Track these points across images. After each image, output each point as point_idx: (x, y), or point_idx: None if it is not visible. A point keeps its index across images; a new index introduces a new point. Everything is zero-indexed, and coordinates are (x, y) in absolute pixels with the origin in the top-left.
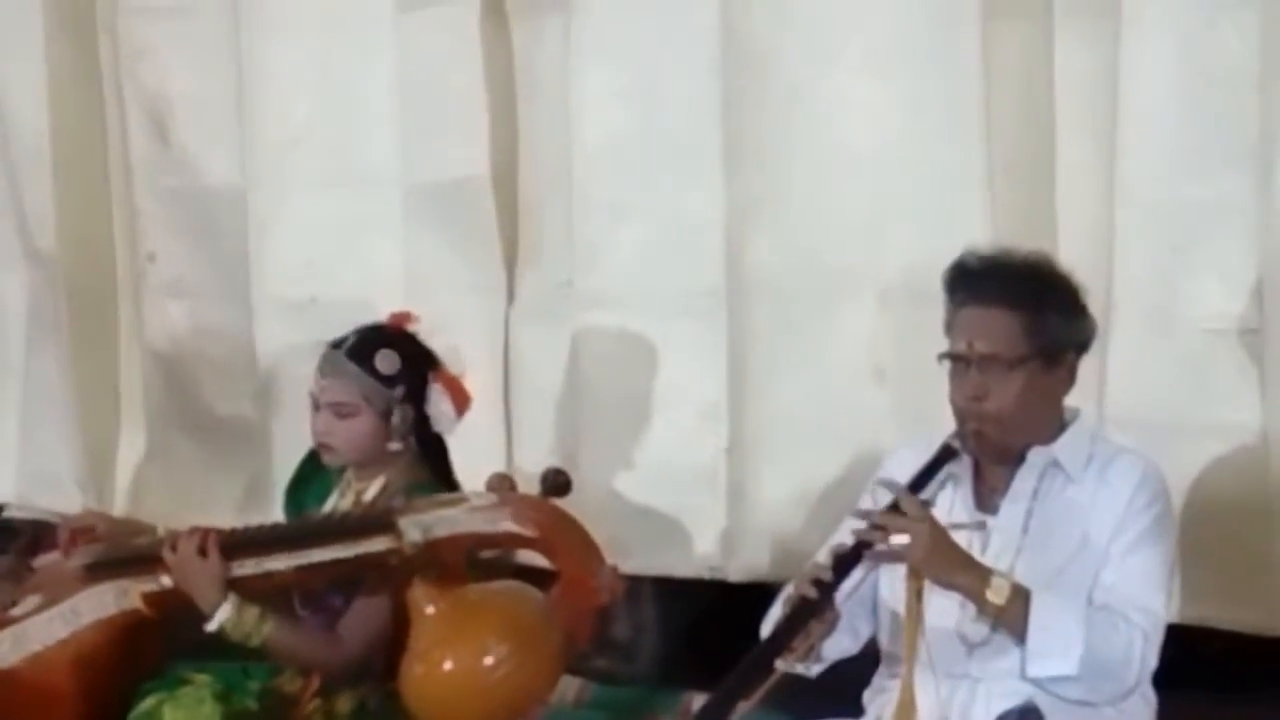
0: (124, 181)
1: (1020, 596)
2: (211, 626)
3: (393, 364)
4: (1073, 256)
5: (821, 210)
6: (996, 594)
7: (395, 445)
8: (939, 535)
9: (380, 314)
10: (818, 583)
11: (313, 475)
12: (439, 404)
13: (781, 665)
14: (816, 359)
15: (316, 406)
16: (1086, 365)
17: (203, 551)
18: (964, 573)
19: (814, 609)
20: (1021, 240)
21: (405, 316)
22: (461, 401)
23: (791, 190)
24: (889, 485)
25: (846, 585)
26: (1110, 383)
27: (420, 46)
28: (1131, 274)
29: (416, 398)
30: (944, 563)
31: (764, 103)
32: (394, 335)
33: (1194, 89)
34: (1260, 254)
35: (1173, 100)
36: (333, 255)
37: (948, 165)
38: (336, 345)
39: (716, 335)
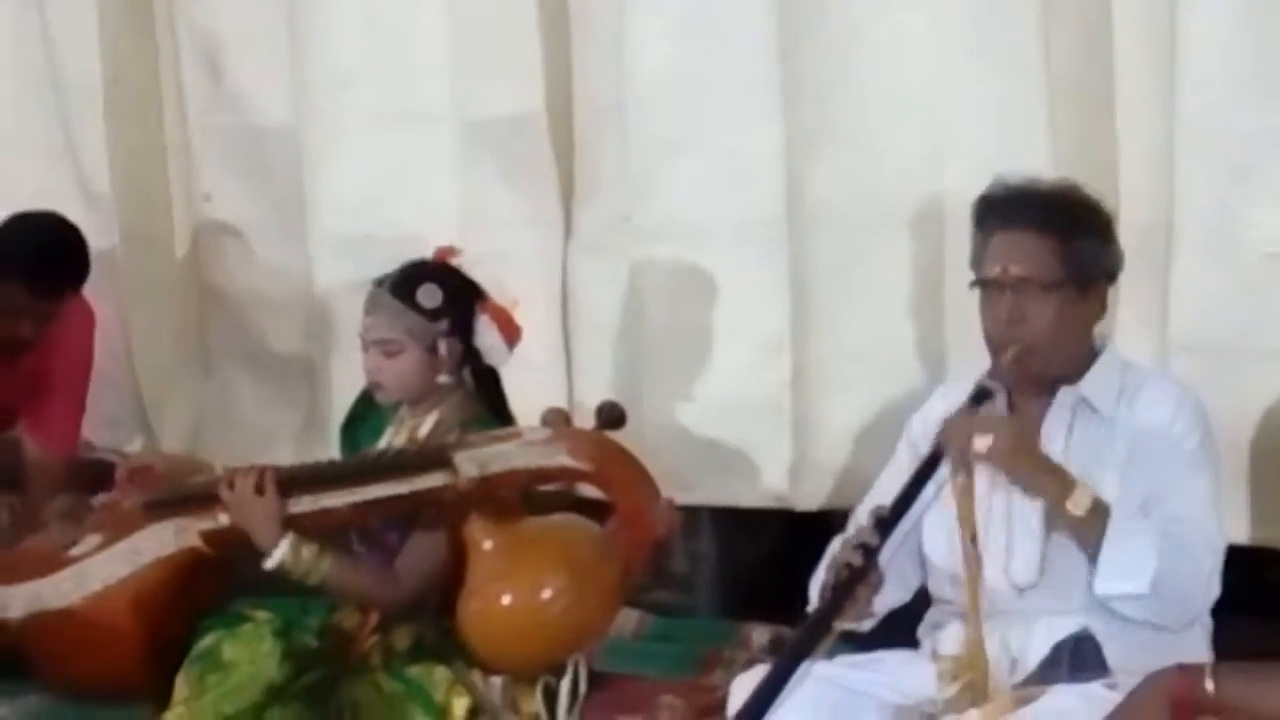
0: (178, 121)
1: (1100, 511)
2: (269, 564)
3: (435, 297)
4: (1133, 183)
5: (881, 141)
6: (1076, 505)
7: (444, 379)
8: (1024, 433)
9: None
10: (863, 547)
11: (367, 413)
12: (487, 335)
13: (835, 626)
14: (878, 289)
15: (365, 346)
16: (1149, 291)
17: (259, 489)
18: (1047, 475)
19: (859, 575)
20: (1082, 168)
21: (449, 250)
22: (511, 332)
23: (850, 121)
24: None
25: (891, 543)
26: (1173, 308)
27: None
28: (1192, 200)
29: (463, 331)
30: (1029, 460)
31: (821, 35)
32: (437, 269)
33: (1252, 12)
34: None
35: (1231, 25)
36: (388, 192)
37: (1007, 95)
38: (380, 283)
39: (777, 267)
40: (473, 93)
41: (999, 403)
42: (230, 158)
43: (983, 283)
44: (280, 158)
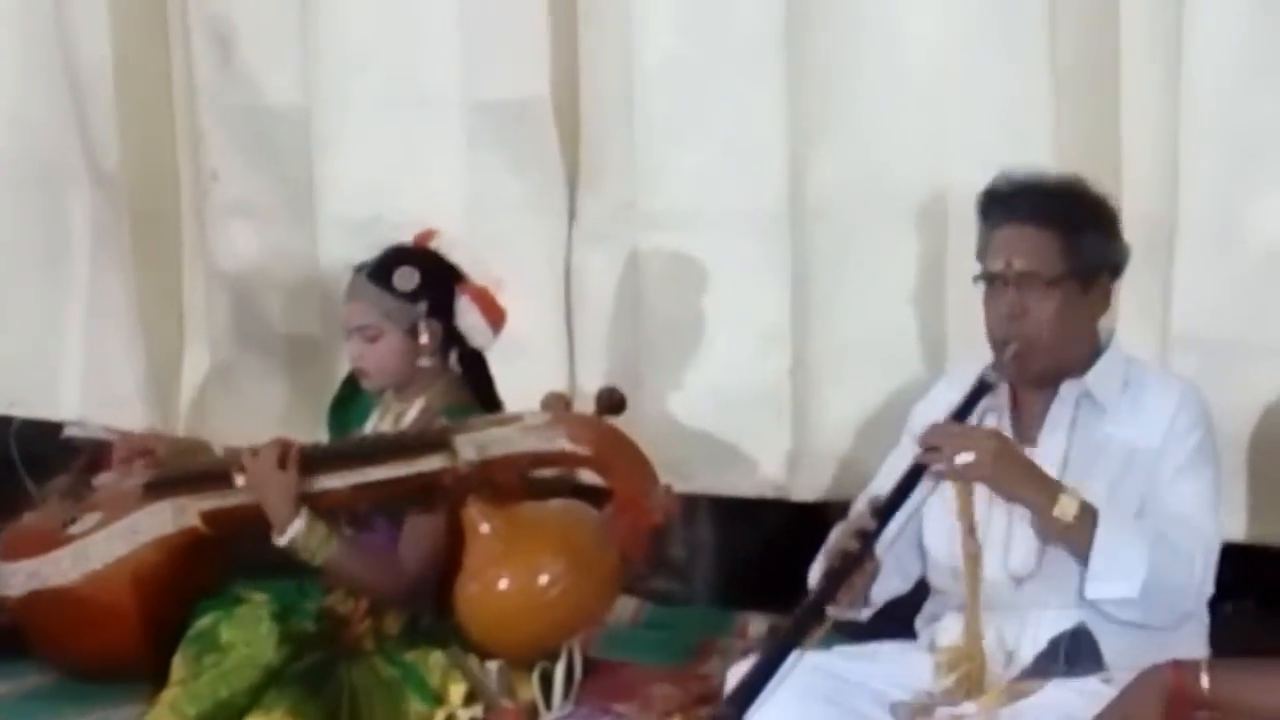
0: (187, 101)
1: (1088, 515)
2: (281, 541)
3: (411, 280)
4: (1137, 176)
5: (885, 131)
6: (1064, 510)
7: (425, 362)
8: (1006, 447)
9: (443, 234)
10: (860, 534)
11: (354, 395)
12: (468, 316)
13: (831, 613)
14: (879, 279)
15: (348, 333)
16: (1151, 285)
17: (282, 464)
18: (1032, 485)
19: (855, 561)
20: (1087, 161)
21: (429, 234)
22: (494, 314)
23: (854, 110)
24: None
25: (891, 529)
26: (1175, 302)
27: None
28: (1196, 193)
29: (443, 313)
30: (1013, 474)
31: (827, 23)
32: (414, 253)
33: (1260, 3)
34: None
35: (1238, 16)
36: (396, 175)
37: (1012, 86)
38: (359, 269)
39: (779, 256)
40: (480, 76)
41: (1001, 395)
42: (239, 138)
43: (986, 277)
44: (289, 139)
